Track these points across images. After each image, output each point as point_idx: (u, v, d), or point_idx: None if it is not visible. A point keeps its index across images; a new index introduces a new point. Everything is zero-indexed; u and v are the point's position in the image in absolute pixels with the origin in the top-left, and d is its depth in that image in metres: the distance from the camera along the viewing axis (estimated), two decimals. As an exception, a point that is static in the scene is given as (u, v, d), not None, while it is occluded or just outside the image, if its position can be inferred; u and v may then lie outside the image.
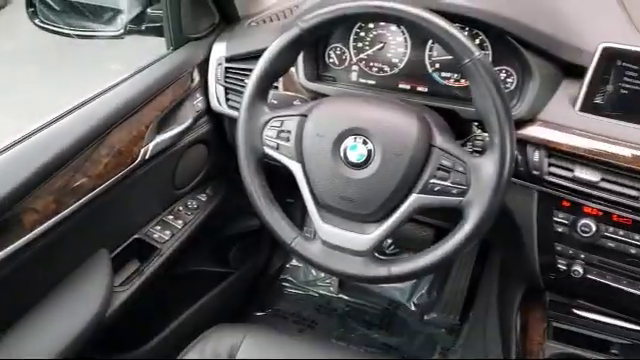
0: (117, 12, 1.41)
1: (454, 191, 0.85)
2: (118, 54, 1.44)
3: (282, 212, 0.99)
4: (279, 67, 0.97)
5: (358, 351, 1.69)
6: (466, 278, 1.90)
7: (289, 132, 0.94)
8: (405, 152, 0.86)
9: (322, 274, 2.03)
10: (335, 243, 0.94)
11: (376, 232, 0.91)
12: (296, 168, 0.95)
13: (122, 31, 1.36)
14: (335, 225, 0.94)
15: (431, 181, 0.86)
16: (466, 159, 0.85)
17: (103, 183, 1.10)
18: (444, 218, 1.36)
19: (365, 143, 0.89)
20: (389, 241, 1.96)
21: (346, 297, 2.00)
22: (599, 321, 1.19)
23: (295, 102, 1.16)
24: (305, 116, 0.94)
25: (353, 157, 0.90)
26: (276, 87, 1.21)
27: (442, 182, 0.85)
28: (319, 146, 0.92)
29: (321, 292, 2.02)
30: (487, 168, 0.83)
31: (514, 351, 1.11)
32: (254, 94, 0.97)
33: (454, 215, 0.88)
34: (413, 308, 1.95)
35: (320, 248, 0.95)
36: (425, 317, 1.91)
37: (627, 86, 0.96)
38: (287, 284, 2.06)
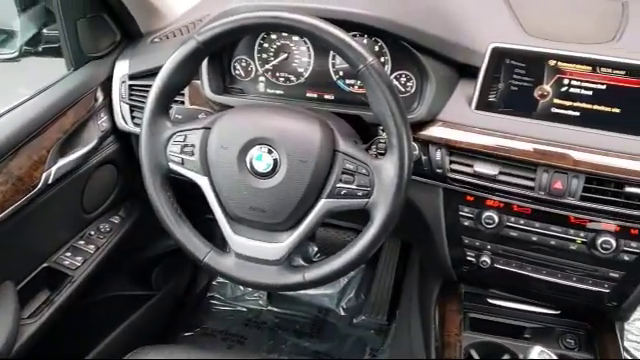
0: (11, 34, 1.35)
1: (360, 193, 0.87)
2: (16, 76, 1.37)
3: (192, 228, 0.97)
4: (178, 81, 0.96)
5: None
6: (391, 278, 1.95)
7: (193, 146, 0.93)
8: (310, 159, 0.88)
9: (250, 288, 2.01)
10: (248, 254, 0.93)
11: (288, 240, 0.92)
12: (203, 182, 0.94)
13: (17, 53, 1.32)
14: (247, 236, 0.94)
15: (337, 185, 0.87)
16: (368, 162, 0.87)
17: (1, 212, 1.04)
18: (363, 221, 1.39)
19: (270, 152, 0.89)
20: (315, 249, 1.98)
21: (276, 309, 1.99)
22: (512, 308, 1.24)
23: (200, 116, 1.15)
24: (209, 129, 0.93)
25: (259, 167, 0.90)
26: (182, 102, 1.19)
27: (348, 185, 0.87)
28: (224, 158, 0.91)
29: (250, 306, 2.00)
30: (388, 169, 0.86)
31: (433, 345, 1.14)
32: (154, 110, 0.95)
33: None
34: (342, 313, 1.97)
35: (234, 261, 0.95)
36: (354, 320, 1.93)
37: (516, 83, 1.01)
38: (215, 301, 2.03)
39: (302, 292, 2.02)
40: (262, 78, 1.17)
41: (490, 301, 1.26)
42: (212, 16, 1.08)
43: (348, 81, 1.12)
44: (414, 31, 1.00)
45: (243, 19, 0.89)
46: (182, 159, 0.94)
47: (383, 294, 1.94)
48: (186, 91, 1.18)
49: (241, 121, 0.94)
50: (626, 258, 1.01)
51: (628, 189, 0.95)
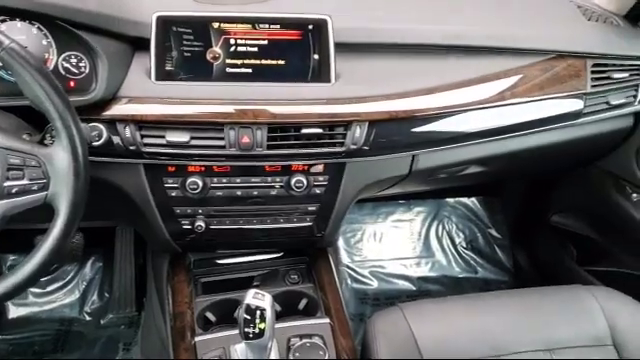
0: None
1: (35, 187, 0.81)
2: None
3: None
4: None
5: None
6: (131, 268, 1.89)
7: None
8: None
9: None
10: None
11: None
12: None
13: None
14: None
15: (5, 184, 0.80)
16: (36, 152, 0.81)
17: None
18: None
19: None
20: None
21: (8, 336, 1.78)
22: (240, 262, 1.31)
23: None
24: None
25: None
26: None
27: (18, 182, 0.80)
28: None
29: (-26, 343, 1.75)
30: (60, 156, 0.81)
31: (168, 319, 1.15)
32: None
33: None
34: (88, 318, 1.86)
35: None
36: (102, 321, 1.84)
37: (188, 49, 1.04)
38: None
39: (38, 309, 1.85)
40: None
41: (219, 262, 1.30)
42: None
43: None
44: (67, 9, 0.95)
45: None
46: None
47: (127, 286, 1.88)
48: None
49: None
50: (317, 192, 1.13)
51: (305, 130, 1.06)
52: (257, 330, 0.88)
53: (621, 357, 1.08)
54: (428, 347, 1.07)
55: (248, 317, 0.88)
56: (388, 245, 2.17)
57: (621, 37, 1.30)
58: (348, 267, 2.04)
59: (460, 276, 2.10)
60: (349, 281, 2.01)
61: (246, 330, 0.89)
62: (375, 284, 2.04)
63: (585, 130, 1.29)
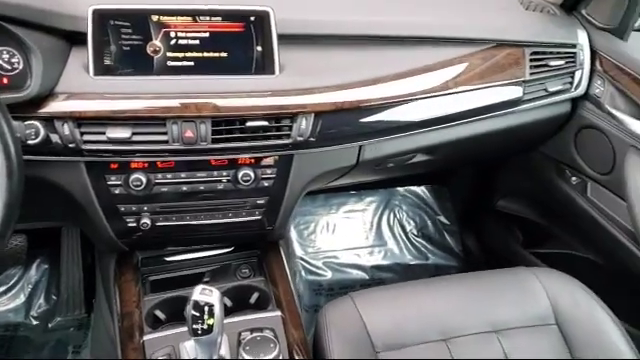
0: None
1: None
2: None
3: None
4: None
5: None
6: (79, 269, 1.84)
7: None
8: None
9: None
10: None
11: None
12: None
13: None
14: None
15: None
16: None
17: None
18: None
19: None
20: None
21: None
22: (190, 259, 1.29)
23: None
24: None
25: None
26: None
27: None
28: None
29: None
30: None
31: (116, 320, 1.12)
32: None
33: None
34: (35, 322, 1.80)
35: None
36: (50, 325, 1.78)
37: (127, 43, 1.01)
38: None
39: (-21, 317, 1.78)
40: None
41: (168, 259, 1.28)
42: None
43: None
44: None
45: None
46: None
47: (75, 287, 1.83)
48: None
49: None
50: (266, 184, 1.13)
51: (250, 123, 1.05)
52: (206, 326, 0.87)
53: (564, 335, 1.12)
54: (379, 334, 1.09)
55: (196, 313, 0.87)
56: (341, 236, 2.18)
57: (557, 26, 1.34)
58: (302, 259, 2.05)
59: (412, 263, 2.14)
60: (303, 273, 2.02)
61: (194, 327, 0.88)
62: (329, 275, 2.05)
63: (525, 117, 1.33)
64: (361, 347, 1.07)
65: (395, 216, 2.26)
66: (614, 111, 1.28)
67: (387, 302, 1.18)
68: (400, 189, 2.31)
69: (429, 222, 2.26)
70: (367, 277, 2.08)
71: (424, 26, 1.21)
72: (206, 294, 0.88)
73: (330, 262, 2.09)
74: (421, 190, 2.32)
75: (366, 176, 1.61)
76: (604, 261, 1.53)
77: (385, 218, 2.25)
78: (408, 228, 2.24)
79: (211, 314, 0.88)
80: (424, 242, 2.21)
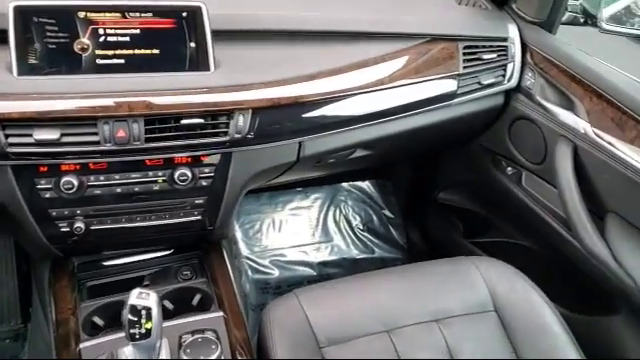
0: None
1: None
2: None
3: None
4: None
5: None
6: (14, 277, 1.76)
7: None
8: None
9: None
10: None
11: None
12: None
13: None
14: None
15: None
16: None
17: None
18: None
19: None
20: None
21: None
22: (128, 262, 1.26)
23: None
24: None
25: None
26: None
27: None
28: None
29: None
30: None
31: (52, 328, 1.08)
32: None
33: None
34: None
35: None
36: (-17, 339, 1.70)
37: (53, 41, 0.97)
38: None
39: None
40: None
41: (106, 264, 1.25)
42: None
43: None
44: None
45: None
46: None
47: (10, 297, 1.75)
48: None
49: None
50: (204, 184, 1.11)
51: (185, 121, 1.03)
52: (144, 330, 0.85)
53: (502, 320, 1.15)
54: (322, 329, 1.09)
55: (133, 318, 0.85)
56: (287, 233, 2.18)
57: (489, 20, 1.38)
58: (248, 258, 2.03)
59: (358, 257, 2.15)
60: (250, 272, 2.00)
61: (132, 331, 0.85)
62: (276, 273, 2.04)
63: (460, 110, 1.36)
64: (305, 343, 1.07)
65: (341, 212, 2.27)
66: (544, 102, 1.33)
67: (331, 297, 1.18)
68: (345, 185, 2.33)
69: (374, 216, 2.28)
70: (315, 273, 2.08)
71: (360, 21, 1.22)
72: (143, 298, 0.86)
73: (277, 260, 2.08)
74: (366, 185, 2.34)
75: (308, 173, 1.61)
76: (539, 247, 1.58)
77: (331, 214, 2.26)
78: (354, 223, 2.25)
79: (149, 318, 0.86)
80: (370, 236, 2.23)
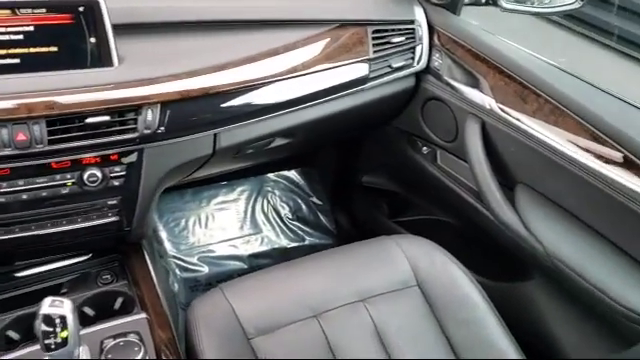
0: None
1: None
2: None
3: None
4: None
5: None
6: None
7: None
8: None
9: None
10: None
11: None
12: None
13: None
14: None
15: None
16: None
17: None
18: None
19: None
20: None
21: None
22: (45, 271, 1.21)
23: None
24: None
25: None
26: None
27: None
28: None
29: None
30: None
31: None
32: None
33: None
34: None
35: None
36: None
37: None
38: None
39: None
40: None
41: (19, 274, 1.19)
42: None
43: None
44: None
45: None
46: None
47: None
48: None
49: None
50: (116, 183, 1.07)
51: (90, 120, 0.99)
52: (59, 340, 0.82)
53: (424, 294, 1.19)
54: (250, 320, 1.09)
55: (48, 328, 0.82)
56: (215, 228, 2.15)
57: (395, 4, 1.40)
58: (175, 257, 1.99)
59: (289, 246, 2.16)
60: (177, 271, 1.96)
61: (47, 342, 0.82)
62: (206, 269, 2.01)
63: (374, 94, 1.38)
64: (233, 336, 1.06)
65: (269, 202, 2.26)
66: (452, 82, 1.37)
67: (257, 288, 1.18)
68: (271, 175, 2.32)
69: (302, 204, 2.29)
70: (245, 266, 2.07)
71: (269, 9, 1.21)
72: (56, 306, 0.82)
73: (205, 256, 2.05)
74: (292, 174, 2.34)
75: (228, 165, 1.59)
76: (457, 222, 1.64)
77: (259, 205, 2.25)
78: (282, 212, 2.25)
79: (64, 326, 0.82)
80: (299, 224, 2.23)
